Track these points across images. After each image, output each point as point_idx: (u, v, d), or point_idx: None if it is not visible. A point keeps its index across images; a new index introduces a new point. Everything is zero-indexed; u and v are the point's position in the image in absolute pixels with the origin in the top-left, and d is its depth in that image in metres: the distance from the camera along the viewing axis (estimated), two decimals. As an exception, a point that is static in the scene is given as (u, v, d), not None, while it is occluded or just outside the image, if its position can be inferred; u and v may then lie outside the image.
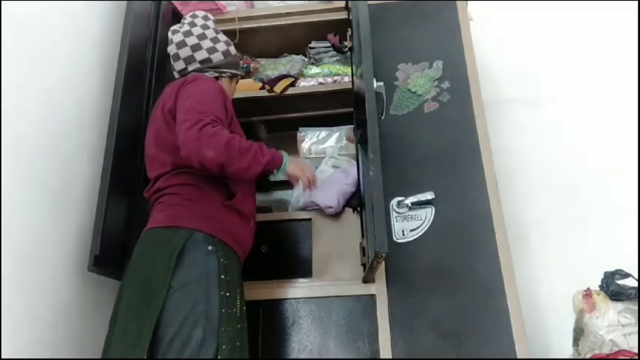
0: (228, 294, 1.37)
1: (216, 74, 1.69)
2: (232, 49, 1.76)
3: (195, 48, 1.67)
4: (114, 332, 1.37)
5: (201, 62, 1.67)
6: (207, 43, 1.68)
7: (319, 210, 1.94)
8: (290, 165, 1.57)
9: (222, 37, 1.75)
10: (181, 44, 1.68)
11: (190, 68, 1.67)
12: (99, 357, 1.42)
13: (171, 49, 1.70)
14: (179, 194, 1.49)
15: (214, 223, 1.45)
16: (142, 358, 1.25)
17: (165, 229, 1.43)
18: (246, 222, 1.58)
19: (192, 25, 1.71)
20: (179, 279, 1.33)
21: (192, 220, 1.43)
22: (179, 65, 1.69)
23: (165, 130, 1.54)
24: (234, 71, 1.76)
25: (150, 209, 1.58)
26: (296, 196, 2.07)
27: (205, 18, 1.75)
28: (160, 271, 1.33)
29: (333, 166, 2.18)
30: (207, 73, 1.67)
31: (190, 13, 1.77)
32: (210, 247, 1.40)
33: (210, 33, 1.71)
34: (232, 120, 1.60)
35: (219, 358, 1.29)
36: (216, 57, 1.69)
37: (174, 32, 1.71)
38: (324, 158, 2.24)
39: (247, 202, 1.60)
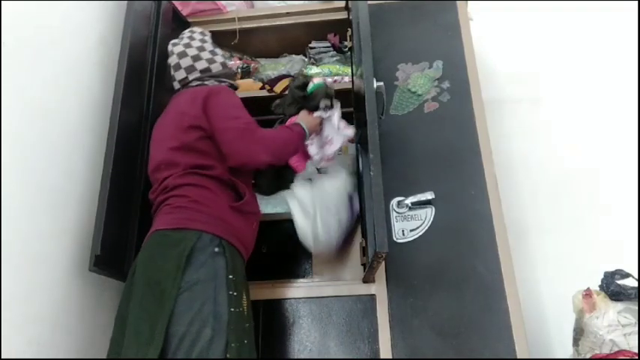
0: (235, 293, 1.39)
1: (217, 83, 1.74)
2: (228, 62, 1.86)
3: (196, 58, 1.74)
4: (121, 333, 1.38)
5: (201, 71, 1.73)
6: (206, 54, 1.76)
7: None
8: (307, 126, 1.76)
9: (219, 51, 1.82)
10: (182, 54, 1.74)
11: (191, 77, 1.73)
12: (99, 357, 1.42)
13: (173, 60, 1.76)
14: (186, 196, 1.51)
15: (221, 225, 1.48)
16: (156, 359, 1.26)
17: (173, 231, 1.46)
18: (250, 223, 1.61)
19: (191, 38, 1.79)
20: (188, 279, 1.36)
21: (199, 223, 1.46)
22: (180, 75, 1.74)
23: (182, 135, 1.57)
24: (232, 82, 1.81)
25: (154, 211, 1.58)
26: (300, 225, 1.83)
27: (203, 34, 1.83)
28: (170, 273, 1.36)
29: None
30: (207, 82, 1.72)
31: (188, 29, 1.86)
32: (217, 249, 1.43)
33: (208, 46, 1.79)
34: None
35: (227, 356, 1.31)
36: (215, 67, 1.76)
37: (175, 45, 1.78)
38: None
39: (252, 203, 1.65)
